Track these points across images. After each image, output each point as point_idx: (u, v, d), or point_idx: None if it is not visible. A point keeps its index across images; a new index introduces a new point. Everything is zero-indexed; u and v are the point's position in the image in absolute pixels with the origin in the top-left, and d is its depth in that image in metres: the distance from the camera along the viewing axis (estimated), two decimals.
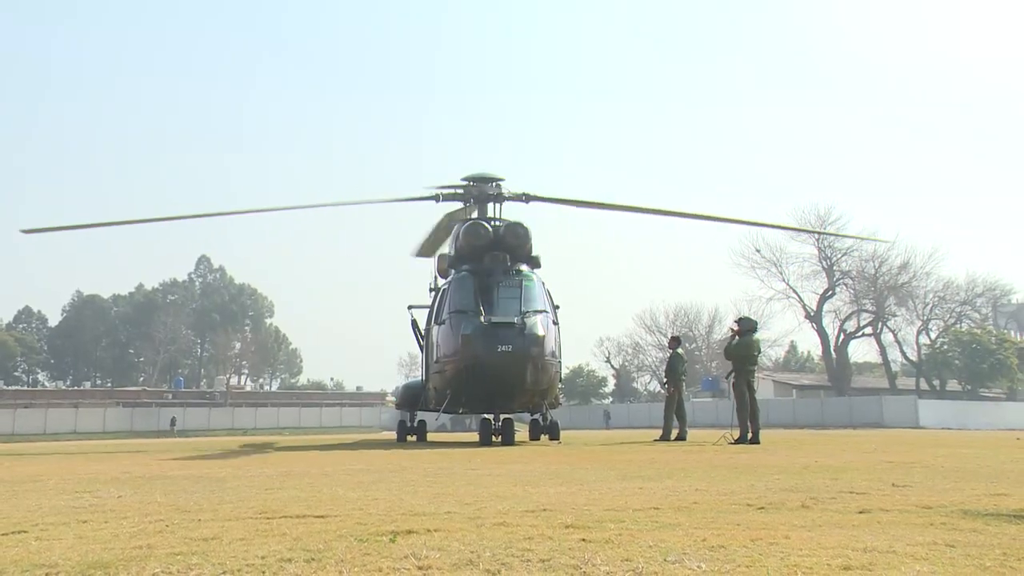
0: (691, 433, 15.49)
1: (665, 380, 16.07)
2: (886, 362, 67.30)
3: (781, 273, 63.45)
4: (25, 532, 3.43)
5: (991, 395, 64.11)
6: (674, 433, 14.97)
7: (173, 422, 60.23)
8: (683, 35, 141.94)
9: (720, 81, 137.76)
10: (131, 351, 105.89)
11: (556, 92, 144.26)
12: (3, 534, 3.40)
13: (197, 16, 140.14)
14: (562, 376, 17.33)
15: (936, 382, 64.74)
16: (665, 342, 69.55)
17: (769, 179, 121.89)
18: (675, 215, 20.31)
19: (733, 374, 13.59)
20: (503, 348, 13.78)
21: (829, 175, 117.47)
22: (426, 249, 20.29)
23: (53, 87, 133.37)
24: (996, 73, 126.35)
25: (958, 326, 64.69)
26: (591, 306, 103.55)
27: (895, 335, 66.02)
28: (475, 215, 17.34)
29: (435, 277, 18.06)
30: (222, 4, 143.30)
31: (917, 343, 65.86)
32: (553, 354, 14.84)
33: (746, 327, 14.04)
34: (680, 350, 16.29)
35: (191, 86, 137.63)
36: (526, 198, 17.49)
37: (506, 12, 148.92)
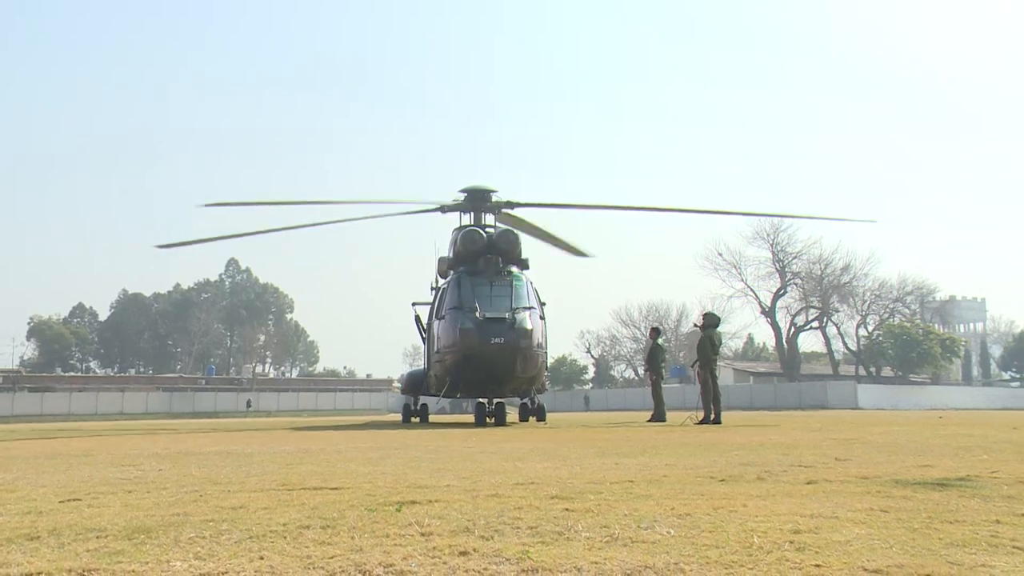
0: None
1: (647, 368, 15.96)
2: (830, 352, 67.69)
3: (740, 274, 63.83)
4: (79, 500, 3.42)
5: (919, 380, 64.74)
6: (650, 415, 14.97)
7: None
8: (651, 50, 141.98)
9: (692, 95, 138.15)
10: (169, 342, 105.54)
11: (542, 104, 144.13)
12: (60, 501, 3.38)
13: (210, 35, 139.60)
14: (548, 365, 17.31)
15: (872, 369, 65.30)
16: (639, 335, 69.86)
17: (732, 189, 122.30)
18: (642, 210, 20.52)
19: (698, 363, 13.61)
20: (496, 340, 13.79)
21: (783, 185, 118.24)
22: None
23: (110, 99, 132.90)
24: (936, 88, 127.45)
25: (891, 320, 65.22)
26: (573, 303, 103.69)
27: (838, 328, 66.55)
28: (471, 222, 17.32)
29: (436, 277, 18.04)
30: (241, 29, 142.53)
31: (856, 335, 66.37)
32: (540, 345, 14.84)
33: (710, 322, 14.07)
34: (660, 340, 16.20)
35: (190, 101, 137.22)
36: (510, 206, 17.48)
37: (484, 24, 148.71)
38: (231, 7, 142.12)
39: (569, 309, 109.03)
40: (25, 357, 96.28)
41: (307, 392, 72.79)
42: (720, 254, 63.27)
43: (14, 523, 2.80)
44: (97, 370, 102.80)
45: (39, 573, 1.99)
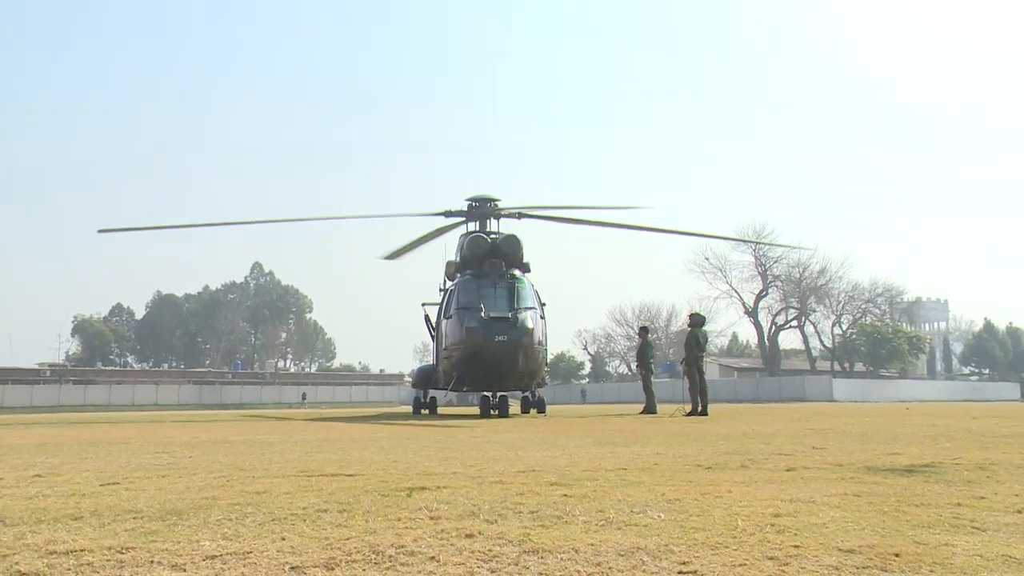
0: None
1: (638, 364, 15.83)
2: (808, 349, 67.63)
3: (725, 277, 63.77)
4: (117, 484, 3.42)
5: (888, 374, 64.81)
6: (642, 407, 14.90)
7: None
8: (641, 66, 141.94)
9: (679, 115, 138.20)
10: (199, 339, 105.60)
11: (539, 118, 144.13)
12: (101, 485, 3.39)
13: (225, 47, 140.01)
14: (547, 361, 17.24)
15: (846, 364, 65.22)
16: (632, 333, 69.75)
17: (718, 198, 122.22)
18: (640, 229, 20.35)
19: (686, 359, 13.56)
20: (499, 338, 13.75)
21: (766, 195, 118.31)
22: (398, 253, 18.85)
23: (150, 116, 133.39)
24: (903, 104, 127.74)
25: (863, 320, 65.29)
26: (571, 303, 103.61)
27: (815, 327, 66.64)
28: (476, 229, 17.28)
29: (444, 280, 18.01)
30: (247, 42, 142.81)
31: (832, 333, 66.40)
32: (540, 343, 14.79)
33: (696, 321, 14.01)
34: (649, 338, 16.06)
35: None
36: (519, 215, 17.45)
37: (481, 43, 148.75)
38: (258, 35, 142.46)
39: (567, 309, 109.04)
40: (70, 352, 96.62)
41: (325, 386, 72.78)
42: (707, 258, 63.32)
43: (60, 504, 2.81)
44: (134, 364, 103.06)
45: (82, 550, 2.00)
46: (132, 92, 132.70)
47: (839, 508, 2.55)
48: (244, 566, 1.84)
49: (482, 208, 17.17)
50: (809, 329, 66.19)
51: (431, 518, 2.41)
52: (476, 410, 16.23)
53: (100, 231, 19.88)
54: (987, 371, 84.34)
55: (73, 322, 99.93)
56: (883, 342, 60.47)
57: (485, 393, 14.58)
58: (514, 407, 16.12)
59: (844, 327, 65.95)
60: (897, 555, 1.86)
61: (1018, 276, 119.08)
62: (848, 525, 2.25)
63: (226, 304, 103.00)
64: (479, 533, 2.17)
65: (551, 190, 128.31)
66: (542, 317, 15.38)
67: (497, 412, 13.86)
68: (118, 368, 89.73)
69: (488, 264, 15.51)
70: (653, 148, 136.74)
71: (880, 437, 6.12)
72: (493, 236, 16.49)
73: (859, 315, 65.87)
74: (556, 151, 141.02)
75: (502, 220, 17.44)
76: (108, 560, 1.91)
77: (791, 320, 65.27)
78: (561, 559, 1.86)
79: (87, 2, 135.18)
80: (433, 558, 1.89)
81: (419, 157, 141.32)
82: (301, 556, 1.92)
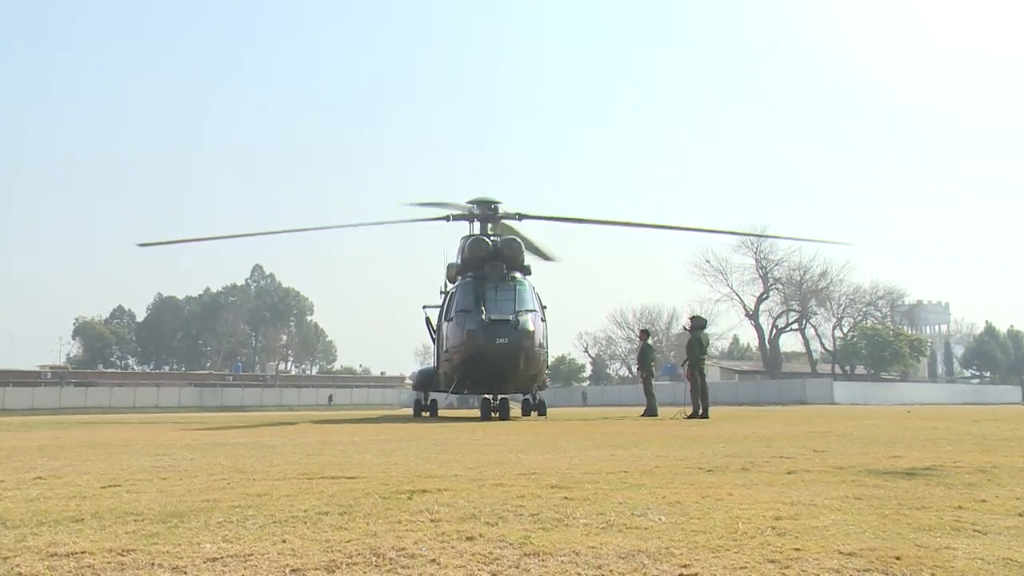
0: None
1: (639, 367, 15.81)
2: (809, 351, 67.65)
3: (726, 279, 63.87)
4: (118, 486, 3.42)
5: (889, 377, 64.83)
6: (643, 410, 14.89)
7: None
8: (641, 73, 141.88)
9: (680, 116, 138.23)
10: (200, 342, 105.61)
11: (540, 121, 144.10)
12: (102, 487, 3.39)
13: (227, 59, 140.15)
14: (548, 363, 17.21)
15: (847, 367, 65.19)
16: (632, 336, 69.74)
17: (717, 198, 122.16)
18: (641, 226, 20.31)
19: (687, 362, 13.55)
20: (500, 340, 13.74)
21: (766, 196, 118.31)
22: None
23: (152, 124, 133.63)
24: (895, 110, 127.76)
25: (864, 323, 65.27)
26: (572, 306, 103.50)
27: (816, 330, 66.73)
28: (478, 231, 17.25)
29: (445, 282, 18.01)
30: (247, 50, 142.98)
31: (833, 336, 66.43)
32: (541, 345, 14.77)
33: (697, 324, 14.00)
34: (650, 341, 16.04)
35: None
36: (519, 217, 17.43)
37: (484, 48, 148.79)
38: (258, 36, 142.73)
39: (568, 312, 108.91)
40: (71, 355, 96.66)
41: (325, 388, 72.72)
42: (708, 261, 63.51)
43: (61, 506, 2.81)
44: (135, 367, 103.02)
45: (83, 552, 2.00)
46: (133, 93, 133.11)
47: (840, 511, 2.54)
48: (245, 568, 1.84)
49: (483, 211, 17.16)
50: (810, 332, 66.38)
51: (432, 521, 2.41)
52: (477, 413, 16.21)
53: (140, 244, 20.18)
54: (988, 374, 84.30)
55: (74, 324, 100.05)
56: (884, 345, 60.50)
57: (486, 395, 14.57)
58: (515, 410, 16.10)
59: (845, 330, 66.01)
60: (898, 558, 1.86)
61: (1019, 278, 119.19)
62: (849, 528, 2.25)
63: (227, 306, 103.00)
64: (480, 536, 2.17)
65: (551, 190, 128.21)
66: (543, 319, 15.37)
67: (498, 415, 13.84)
68: (119, 370, 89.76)
69: (489, 267, 15.49)
70: (653, 148, 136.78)
71: (881, 440, 6.11)
72: (494, 238, 16.49)
73: (860, 318, 65.89)
74: (556, 151, 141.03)
75: (502, 222, 17.42)
76: (109, 562, 1.91)
77: (792, 323, 65.34)
78: (562, 562, 1.86)
79: (87, 3, 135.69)
80: (434, 561, 1.89)
81: (419, 157, 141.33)
82: (302, 558, 1.92)
